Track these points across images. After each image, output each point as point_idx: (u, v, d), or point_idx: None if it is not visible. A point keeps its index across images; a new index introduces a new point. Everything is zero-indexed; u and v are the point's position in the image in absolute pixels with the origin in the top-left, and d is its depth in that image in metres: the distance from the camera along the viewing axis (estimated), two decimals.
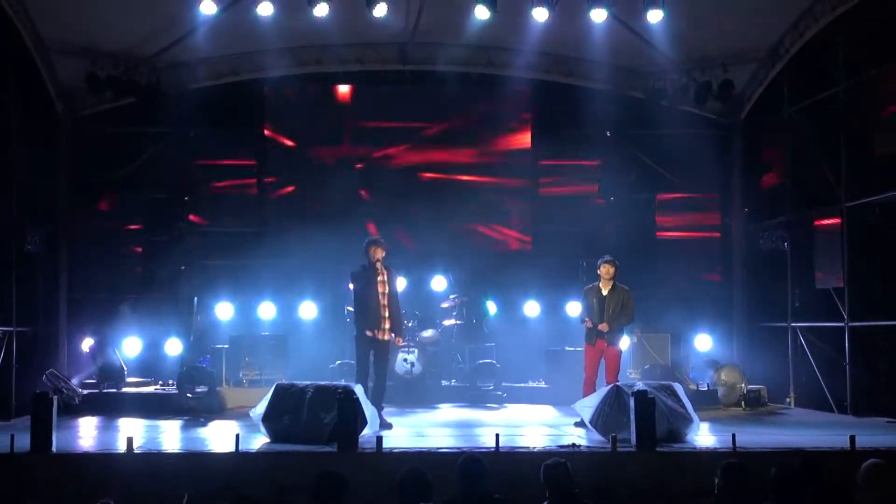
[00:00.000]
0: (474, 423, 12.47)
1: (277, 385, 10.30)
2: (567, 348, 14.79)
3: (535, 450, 9.36)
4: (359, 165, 16.82)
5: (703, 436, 10.68)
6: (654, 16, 13.54)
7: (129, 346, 15.06)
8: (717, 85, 15.31)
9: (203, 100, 15.90)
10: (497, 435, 9.07)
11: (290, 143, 16.87)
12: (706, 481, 7.02)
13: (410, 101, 17.02)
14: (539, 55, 16.02)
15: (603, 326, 11.76)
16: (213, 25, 14.16)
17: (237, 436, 9.12)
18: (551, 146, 17.07)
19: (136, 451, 8.93)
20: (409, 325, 14.72)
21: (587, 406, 10.54)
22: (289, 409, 9.96)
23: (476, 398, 14.79)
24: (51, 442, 8.95)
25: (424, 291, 15.93)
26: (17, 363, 13.66)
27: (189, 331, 14.69)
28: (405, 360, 14.55)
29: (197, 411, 13.11)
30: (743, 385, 14.53)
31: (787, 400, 15.11)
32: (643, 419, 9.23)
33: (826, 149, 14.32)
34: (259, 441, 9.96)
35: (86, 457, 9.25)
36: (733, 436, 9.18)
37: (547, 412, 13.65)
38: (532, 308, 16.07)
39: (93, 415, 13.16)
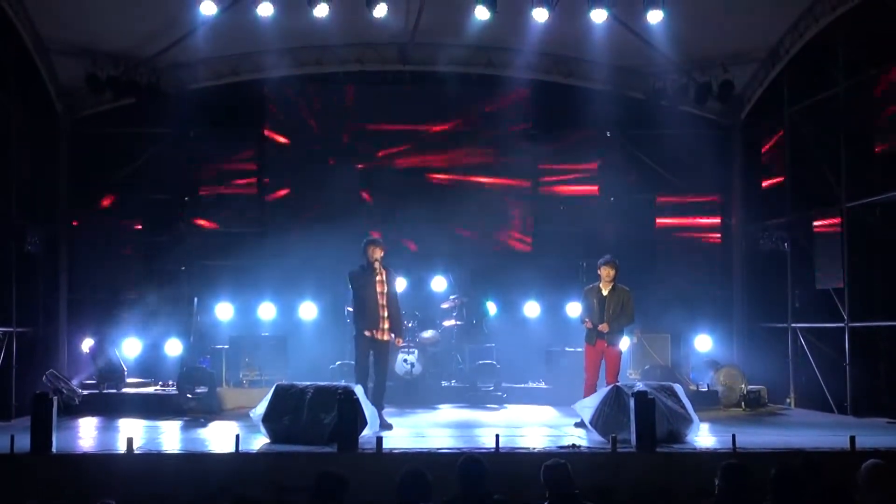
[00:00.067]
0: (474, 423, 12.46)
1: (277, 386, 10.29)
2: (567, 349, 14.79)
3: (535, 450, 9.36)
4: (359, 166, 16.82)
5: (703, 436, 10.68)
6: (655, 16, 13.54)
7: (129, 347, 15.06)
8: (718, 85, 15.33)
9: (203, 100, 15.93)
10: (497, 435, 9.06)
11: (289, 143, 16.86)
12: (706, 482, 7.01)
13: (410, 102, 17.01)
14: (539, 55, 16.02)
15: (603, 327, 11.75)
16: (213, 26, 14.15)
17: (237, 436, 9.12)
18: (551, 147, 17.09)
19: (136, 452, 8.92)
20: (409, 325, 14.71)
21: (587, 407, 10.53)
22: (289, 410, 9.95)
23: (476, 399, 14.79)
24: (51, 442, 8.94)
25: (424, 292, 15.93)
26: (17, 364, 13.65)
27: (189, 331, 14.69)
28: (405, 360, 14.55)
29: (196, 412, 13.11)
30: (743, 386, 14.53)
31: (787, 400, 15.11)
32: (643, 420, 9.22)
33: (826, 149, 14.33)
34: (259, 442, 9.95)
35: (86, 457, 9.24)
36: (733, 436, 9.17)
37: (547, 413, 13.64)
38: (532, 308, 16.07)
39: (93, 415, 13.14)
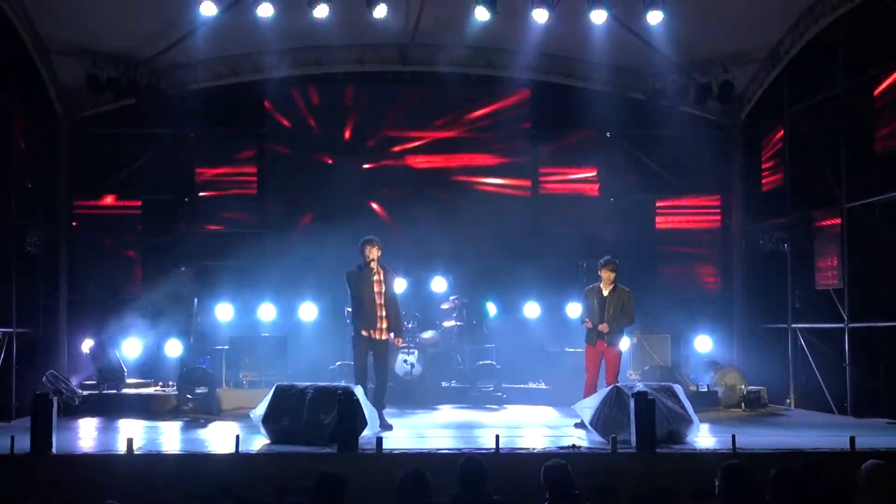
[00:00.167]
0: (474, 424, 12.46)
1: (277, 386, 10.29)
2: (567, 349, 14.78)
3: (536, 451, 9.36)
4: (359, 166, 16.80)
5: (703, 437, 10.68)
6: (654, 17, 13.53)
7: (129, 347, 15.05)
8: (718, 86, 15.34)
9: (203, 101, 15.94)
10: (497, 436, 9.06)
11: (289, 143, 16.85)
12: (706, 482, 6.99)
13: (410, 103, 17.02)
14: (539, 56, 16.00)
15: (603, 327, 11.76)
16: (213, 26, 14.15)
17: (237, 437, 9.12)
18: (551, 147, 17.11)
19: (136, 453, 8.93)
20: (410, 326, 14.71)
21: (587, 407, 10.53)
22: (289, 411, 9.95)
23: (476, 399, 14.79)
24: (51, 443, 8.94)
25: (424, 292, 15.92)
26: (17, 364, 13.65)
27: (189, 332, 14.66)
28: (405, 361, 14.55)
29: (194, 413, 13.10)
30: (743, 386, 14.52)
31: (787, 401, 15.10)
32: (643, 420, 9.22)
33: (826, 150, 14.32)
34: (259, 442, 9.95)
35: (86, 458, 9.26)
36: (733, 437, 9.18)
37: (547, 413, 13.64)
38: (532, 309, 16.06)
39: (93, 416, 13.15)
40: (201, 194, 16.65)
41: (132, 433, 10.32)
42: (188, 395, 13.49)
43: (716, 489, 6.53)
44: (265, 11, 13.50)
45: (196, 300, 14.87)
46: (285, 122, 16.87)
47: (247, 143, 16.86)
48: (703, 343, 15.87)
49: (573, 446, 9.58)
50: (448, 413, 13.89)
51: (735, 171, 16.99)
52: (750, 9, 14.07)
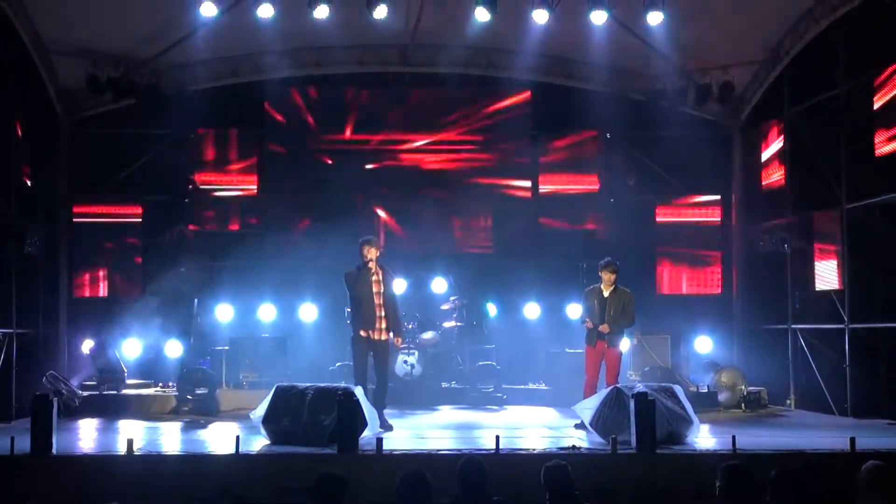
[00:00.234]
0: (474, 425, 12.44)
1: (277, 387, 10.26)
2: (567, 350, 14.78)
3: (536, 452, 9.36)
4: (359, 167, 16.79)
5: (704, 438, 10.66)
6: (655, 18, 13.53)
7: (129, 348, 15.03)
8: (718, 87, 15.35)
9: (203, 101, 15.96)
10: (497, 437, 9.04)
11: (289, 144, 16.85)
12: (706, 483, 7.01)
13: (410, 103, 17.01)
14: (539, 57, 16.00)
15: (604, 328, 11.75)
16: (213, 27, 14.15)
17: (237, 438, 9.10)
18: (551, 148, 17.09)
19: (136, 453, 8.90)
20: (410, 326, 14.71)
21: (587, 408, 10.52)
22: (289, 411, 9.93)
23: (476, 400, 14.78)
24: (51, 444, 8.92)
25: (424, 293, 15.90)
26: (17, 365, 13.64)
27: (189, 332, 14.67)
28: (405, 361, 14.55)
29: (194, 414, 13.10)
30: (743, 387, 14.50)
31: (788, 402, 15.09)
32: (643, 421, 9.20)
33: (826, 150, 14.33)
34: (259, 443, 9.94)
35: (86, 459, 9.25)
36: (733, 438, 9.16)
37: (547, 414, 13.63)
38: (532, 310, 16.05)
39: (93, 417, 13.14)
40: (201, 195, 16.63)
41: (132, 434, 10.28)
42: (188, 396, 13.48)
43: (716, 490, 6.53)
44: (265, 12, 13.49)
45: (196, 301, 14.88)
46: (285, 123, 16.85)
47: (247, 144, 16.85)
48: (703, 344, 15.86)
49: (573, 447, 9.56)
50: (448, 414, 13.88)
51: (735, 171, 16.99)
52: (750, 9, 14.07)
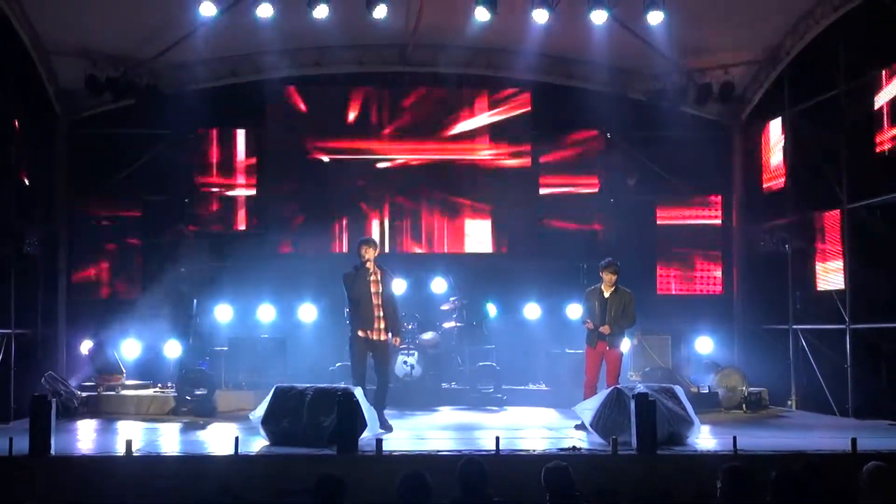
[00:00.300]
0: (474, 425, 12.41)
1: (277, 388, 10.23)
2: (567, 350, 14.76)
3: (536, 453, 9.32)
4: (363, 166, 16.77)
5: (704, 438, 10.64)
6: (655, 17, 13.51)
7: (128, 349, 15.01)
8: (718, 86, 15.36)
9: (202, 101, 15.91)
10: (497, 438, 9.02)
11: (289, 144, 16.83)
12: (707, 484, 7.00)
13: (410, 103, 16.97)
14: (539, 57, 15.96)
15: (605, 329, 11.72)
16: (212, 27, 14.12)
17: (236, 438, 9.08)
18: (551, 148, 17.07)
19: (135, 454, 8.88)
20: (409, 327, 14.70)
21: (588, 409, 10.50)
22: (288, 412, 9.90)
23: (476, 401, 14.75)
24: (49, 445, 8.90)
25: (424, 294, 15.89)
26: (15, 366, 13.61)
27: (188, 333, 14.64)
28: (405, 362, 14.53)
29: (192, 415, 13.08)
30: (744, 388, 14.47)
31: (789, 403, 15.07)
32: (644, 422, 9.18)
33: (827, 150, 14.31)
34: (258, 444, 9.91)
35: (85, 459, 9.22)
36: (734, 438, 9.14)
37: (547, 415, 13.60)
38: (532, 310, 16.01)
39: (91, 417, 13.12)
40: (201, 195, 16.60)
41: (131, 434, 10.25)
42: (187, 397, 13.45)
43: (717, 491, 6.51)
44: (265, 12, 13.47)
45: (195, 301, 14.86)
46: (285, 123, 16.83)
47: (246, 144, 16.82)
48: (704, 344, 15.82)
49: (574, 448, 9.54)
50: (448, 415, 13.85)
51: (735, 171, 16.95)
52: (750, 9, 14.06)
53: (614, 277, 11.84)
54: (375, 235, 15.80)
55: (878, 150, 13.21)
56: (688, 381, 14.53)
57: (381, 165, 16.84)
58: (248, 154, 16.82)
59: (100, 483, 8.34)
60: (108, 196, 16.29)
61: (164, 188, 16.36)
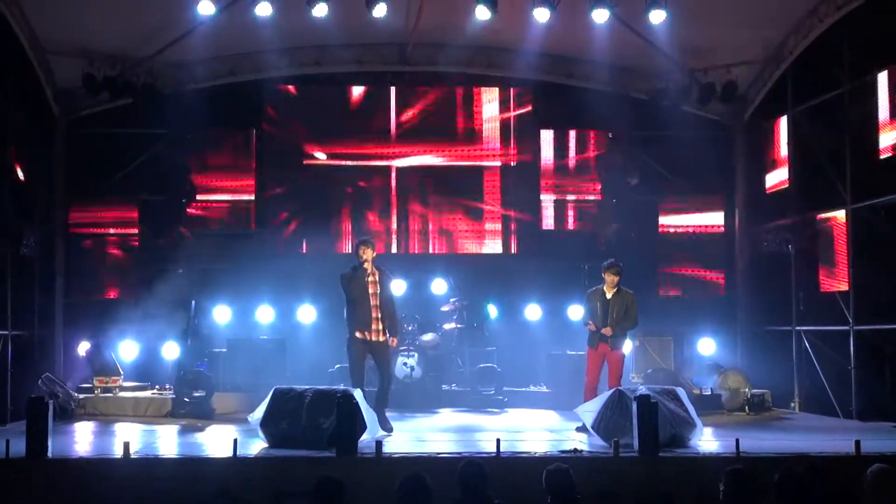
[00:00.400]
0: (475, 427, 12.37)
1: (276, 389, 10.18)
2: (569, 352, 14.70)
3: (537, 455, 9.26)
4: (363, 166, 16.71)
5: (707, 441, 10.58)
6: (657, 16, 13.46)
7: (126, 350, 14.95)
8: (721, 86, 15.30)
9: (201, 101, 15.86)
10: (498, 440, 8.98)
11: (288, 144, 16.79)
12: (710, 487, 6.94)
13: (410, 102, 16.93)
14: (540, 56, 15.93)
15: (606, 330, 11.65)
16: (210, 26, 14.09)
17: (235, 441, 9.02)
18: (553, 148, 17.03)
19: (132, 457, 8.83)
20: (409, 328, 14.66)
21: (589, 411, 10.46)
22: (287, 414, 9.85)
23: (477, 402, 14.68)
24: (46, 447, 8.84)
25: (424, 295, 15.85)
26: (12, 367, 13.56)
27: (186, 334, 14.57)
28: (405, 363, 14.47)
29: (190, 417, 13.02)
30: (747, 389, 14.40)
31: (792, 404, 15.02)
32: (646, 424, 9.13)
33: (831, 150, 14.28)
34: (257, 446, 9.86)
35: (82, 462, 9.15)
36: (737, 441, 9.10)
37: (548, 417, 13.55)
38: (533, 311, 15.96)
39: (89, 419, 13.05)
40: (199, 195, 16.56)
41: (129, 437, 10.16)
42: (185, 399, 13.38)
43: (719, 493, 6.45)
44: (263, 11, 13.44)
45: (193, 302, 14.78)
46: (284, 123, 16.78)
47: (245, 144, 16.78)
48: (707, 346, 15.75)
49: (575, 450, 9.47)
50: (448, 416, 13.80)
51: (738, 171, 16.92)
52: (753, 8, 14.02)
53: (616, 278, 11.76)
54: (374, 236, 15.73)
55: (881, 149, 13.17)
56: (690, 383, 14.46)
57: (380, 165, 16.78)
58: (247, 154, 16.77)
59: (97, 485, 8.30)
60: (105, 196, 16.24)
61: (163, 188, 16.33)
